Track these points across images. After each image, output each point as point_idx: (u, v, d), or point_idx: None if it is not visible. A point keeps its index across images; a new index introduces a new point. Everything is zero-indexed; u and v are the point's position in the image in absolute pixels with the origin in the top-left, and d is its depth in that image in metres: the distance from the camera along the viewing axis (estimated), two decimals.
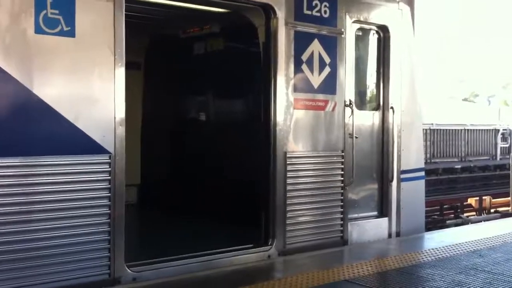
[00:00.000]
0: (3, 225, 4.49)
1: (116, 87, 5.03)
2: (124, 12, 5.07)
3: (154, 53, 8.93)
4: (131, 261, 5.14)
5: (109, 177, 4.98)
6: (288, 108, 6.32)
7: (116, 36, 5.01)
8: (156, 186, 8.74)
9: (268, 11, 6.24)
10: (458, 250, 6.69)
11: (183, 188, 8.26)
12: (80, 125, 4.83)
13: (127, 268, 5.07)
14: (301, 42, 6.42)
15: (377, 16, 7.27)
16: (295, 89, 6.38)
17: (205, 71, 8.44)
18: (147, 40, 8.93)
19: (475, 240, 7.21)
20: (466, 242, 7.09)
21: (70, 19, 4.76)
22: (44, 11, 4.63)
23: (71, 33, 4.77)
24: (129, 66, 5.28)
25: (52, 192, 4.71)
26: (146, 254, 5.54)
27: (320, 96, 6.63)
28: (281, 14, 6.22)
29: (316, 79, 6.59)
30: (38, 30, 4.62)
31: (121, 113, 5.06)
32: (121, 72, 5.06)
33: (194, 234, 6.87)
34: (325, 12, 6.65)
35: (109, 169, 4.98)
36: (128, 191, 5.45)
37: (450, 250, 6.70)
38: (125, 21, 5.10)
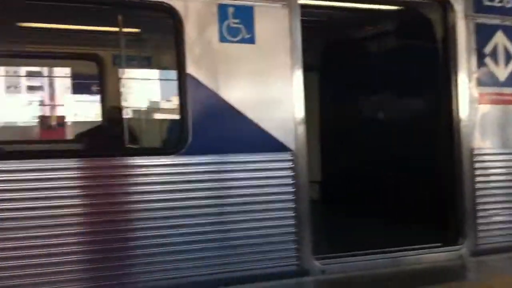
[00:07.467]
0: (200, 217, 4.89)
1: (294, 88, 5.27)
2: (299, 17, 5.31)
3: (329, 55, 9.09)
4: (317, 255, 5.26)
5: (292, 174, 5.20)
6: (472, 103, 6.04)
7: (293, 40, 5.29)
8: (336, 182, 8.82)
9: (445, 5, 6.07)
10: None
11: (362, 187, 8.22)
12: (263, 125, 5.13)
13: (315, 261, 5.21)
14: (482, 34, 6.13)
15: None
16: (479, 83, 6.11)
17: (380, 70, 8.37)
18: (323, 43, 9.12)
19: None
20: None
21: (249, 27, 5.15)
22: (227, 21, 5.09)
23: (251, 40, 5.16)
24: (306, 68, 5.48)
25: (243, 187, 5.03)
26: (332, 248, 5.64)
27: (508, 90, 6.25)
28: (459, 7, 6.03)
29: (502, 72, 6.24)
30: (223, 39, 5.07)
31: (300, 113, 5.27)
32: (298, 74, 5.28)
33: (376, 231, 6.76)
34: (508, 1, 6.30)
35: (292, 165, 5.21)
36: (310, 187, 5.63)
37: None
38: (301, 25, 5.33)
